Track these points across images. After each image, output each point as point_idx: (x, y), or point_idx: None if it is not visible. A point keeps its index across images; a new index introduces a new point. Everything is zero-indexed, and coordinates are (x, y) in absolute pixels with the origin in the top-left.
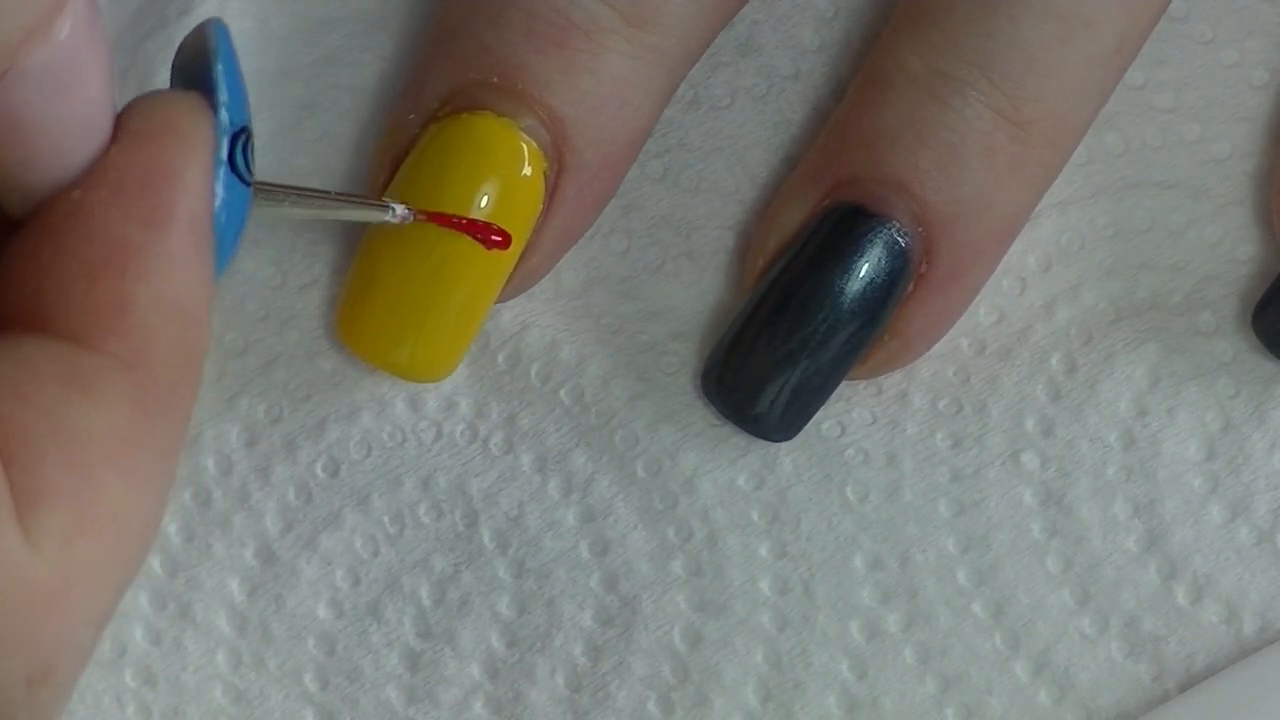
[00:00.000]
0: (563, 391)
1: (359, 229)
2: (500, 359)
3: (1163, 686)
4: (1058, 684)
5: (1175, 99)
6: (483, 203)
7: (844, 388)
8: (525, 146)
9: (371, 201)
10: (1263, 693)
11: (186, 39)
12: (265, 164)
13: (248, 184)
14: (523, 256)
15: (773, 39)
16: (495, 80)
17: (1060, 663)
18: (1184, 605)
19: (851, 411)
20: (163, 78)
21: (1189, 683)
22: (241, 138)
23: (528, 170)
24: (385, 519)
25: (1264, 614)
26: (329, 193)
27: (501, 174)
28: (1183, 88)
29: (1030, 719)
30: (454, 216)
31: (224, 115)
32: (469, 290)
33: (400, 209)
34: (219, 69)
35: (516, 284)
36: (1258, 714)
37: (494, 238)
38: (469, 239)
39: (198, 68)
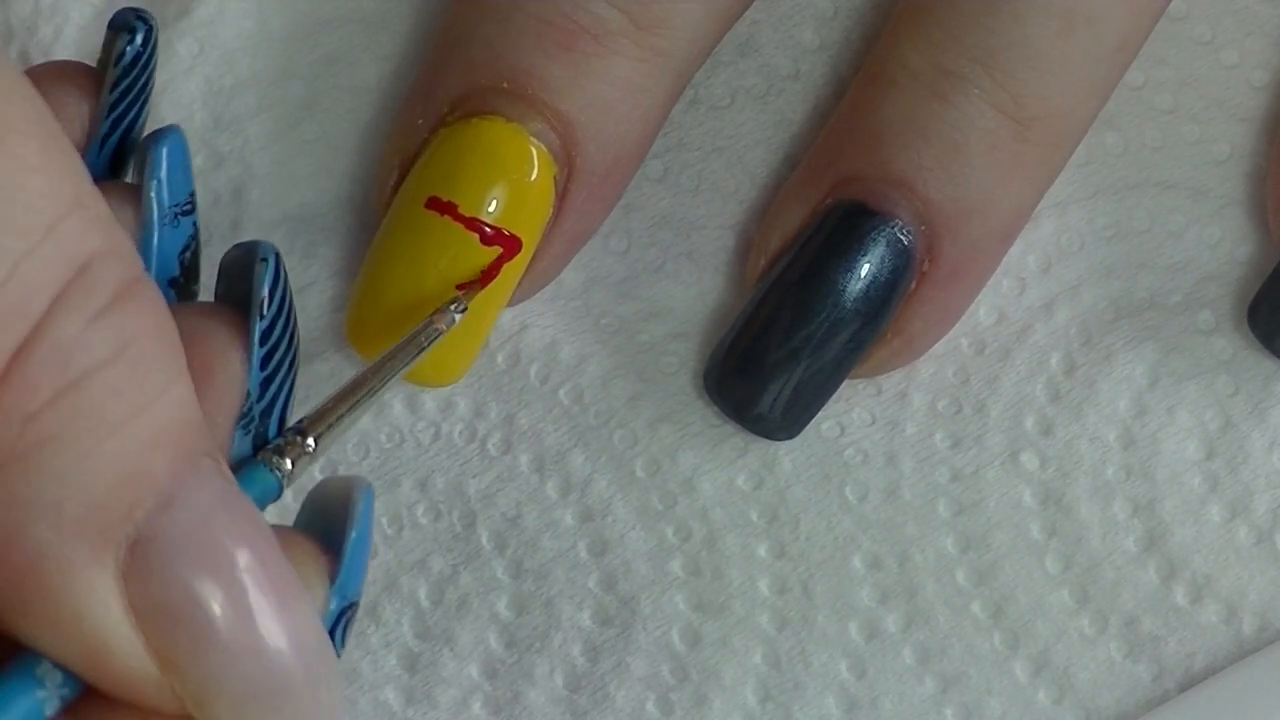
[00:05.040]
0: (562, 391)
1: (359, 228)
2: (499, 359)
3: (1162, 686)
4: (1057, 684)
5: (1175, 99)
6: (492, 207)
7: (843, 387)
8: (535, 151)
9: (420, 329)
10: (1263, 693)
11: (328, 486)
12: (265, 164)
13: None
14: (532, 261)
15: (773, 39)
16: (505, 85)
17: (1059, 663)
18: (1183, 605)
19: (851, 411)
20: (160, 80)
21: (1188, 683)
22: (348, 613)
23: (537, 175)
24: (383, 520)
25: (1263, 614)
26: (376, 363)
27: (511, 179)
28: (1183, 88)
29: (1029, 719)
30: (481, 222)
31: (339, 584)
32: (478, 294)
33: (449, 311)
34: (352, 535)
35: (525, 288)
36: (1258, 714)
37: (501, 245)
38: (477, 242)
39: (332, 520)
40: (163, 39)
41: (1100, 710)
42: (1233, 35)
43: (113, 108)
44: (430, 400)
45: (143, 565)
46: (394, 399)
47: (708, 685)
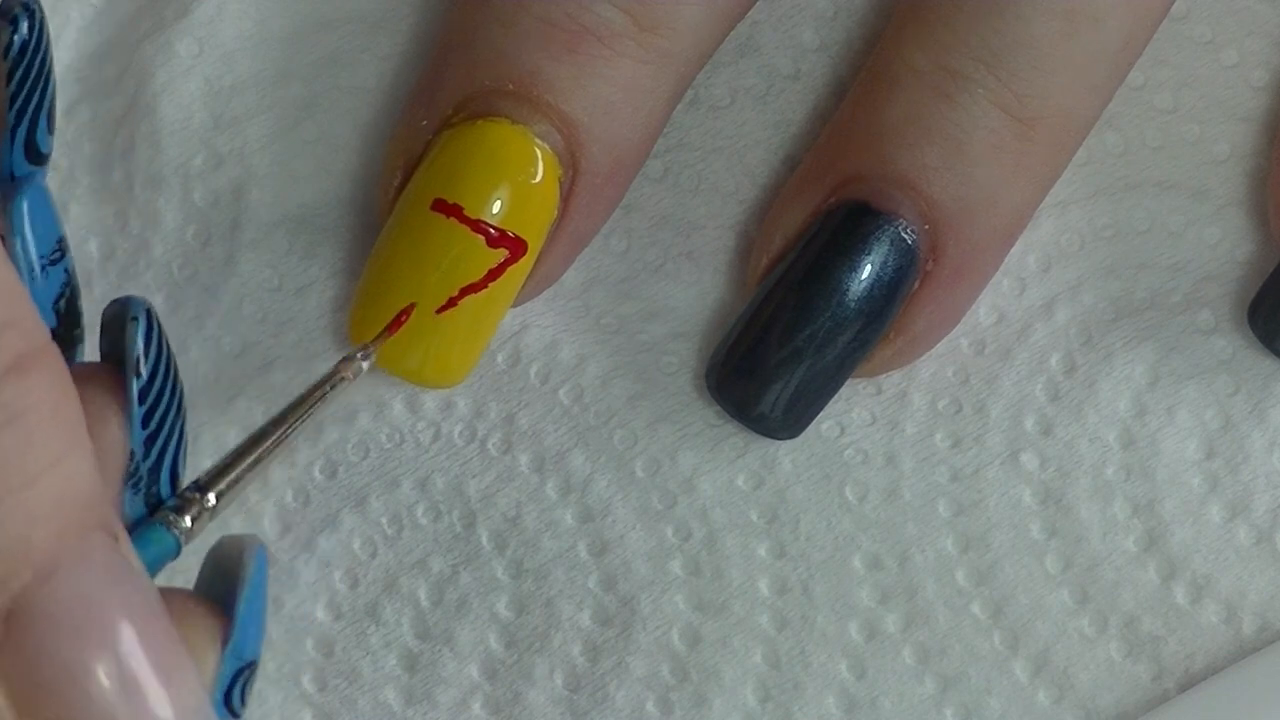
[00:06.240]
0: (562, 391)
1: (359, 228)
2: (500, 359)
3: (1162, 686)
4: (1057, 684)
5: (1175, 99)
6: (496, 209)
7: (843, 387)
8: (540, 153)
9: (324, 378)
10: (1263, 693)
11: (223, 545)
12: (265, 164)
13: (236, 718)
14: (536, 262)
15: (773, 39)
16: (510, 87)
17: (1059, 663)
18: (1183, 605)
19: (851, 411)
20: (160, 81)
21: (1188, 683)
22: (245, 674)
23: (542, 176)
24: (383, 520)
25: (1263, 614)
26: (278, 415)
27: (517, 180)
28: (1183, 88)
29: (1029, 719)
30: (482, 222)
31: (233, 647)
32: (482, 295)
33: (355, 360)
34: (243, 596)
35: (528, 290)
36: (1258, 714)
37: (507, 248)
38: (483, 244)
39: (228, 580)
40: (162, 39)
41: (1100, 710)
42: (1233, 35)
43: (14, 100)
44: (430, 400)
45: (16, 639)
46: (394, 399)
47: (708, 685)
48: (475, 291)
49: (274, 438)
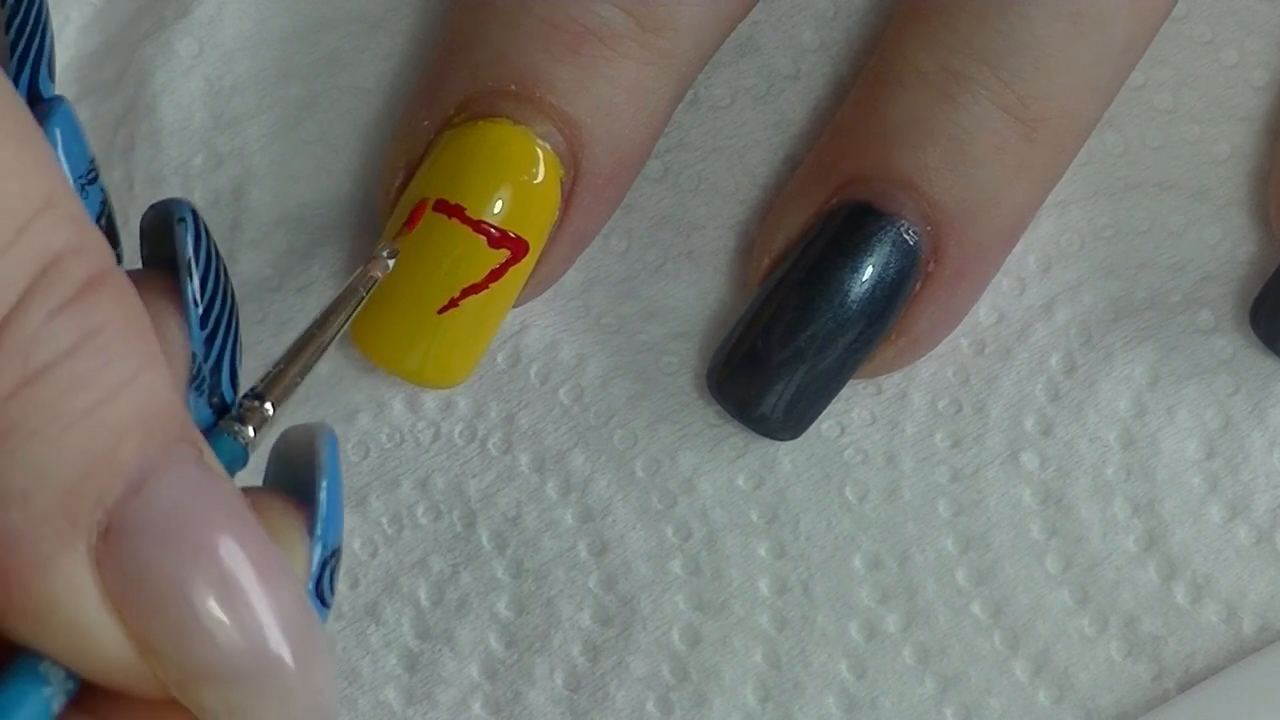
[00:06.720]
0: (562, 391)
1: (359, 228)
2: (499, 359)
3: (1162, 686)
4: (1057, 684)
5: (1175, 99)
6: (497, 209)
7: (843, 387)
8: (542, 154)
9: (355, 279)
10: (1263, 693)
11: (291, 436)
12: (265, 164)
13: (327, 607)
14: (537, 263)
15: (773, 39)
16: (512, 88)
17: (1059, 663)
18: (1183, 605)
19: (851, 411)
20: (160, 81)
21: (1188, 683)
22: (331, 561)
23: (544, 177)
24: (383, 520)
25: (1263, 614)
26: (318, 318)
27: (519, 181)
28: (1183, 88)
29: (1029, 719)
30: (481, 222)
31: (318, 536)
32: (484, 296)
33: (382, 258)
34: (323, 484)
35: (529, 291)
36: (1258, 714)
37: (508, 248)
38: (485, 245)
39: (300, 471)
40: (161, 39)
41: (1100, 710)
42: (1233, 35)
43: (13, 48)
44: (430, 400)
45: (115, 551)
46: (394, 399)
47: (708, 685)
48: (477, 292)
49: (318, 343)
